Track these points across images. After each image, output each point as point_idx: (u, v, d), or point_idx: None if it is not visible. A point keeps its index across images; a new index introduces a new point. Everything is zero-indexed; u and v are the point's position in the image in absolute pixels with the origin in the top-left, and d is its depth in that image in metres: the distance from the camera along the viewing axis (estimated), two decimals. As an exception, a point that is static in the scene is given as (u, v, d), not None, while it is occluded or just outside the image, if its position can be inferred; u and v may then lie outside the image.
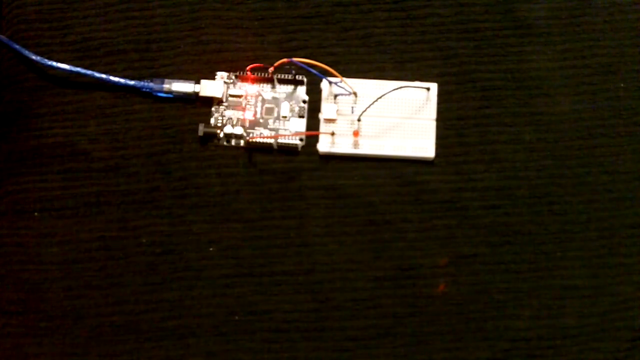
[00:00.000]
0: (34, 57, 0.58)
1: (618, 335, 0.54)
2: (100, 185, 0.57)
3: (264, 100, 0.59)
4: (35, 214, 0.57)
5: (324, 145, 0.57)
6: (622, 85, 0.58)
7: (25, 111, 0.59)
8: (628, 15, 0.59)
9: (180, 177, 0.57)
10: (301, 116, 0.58)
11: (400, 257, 0.56)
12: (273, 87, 0.59)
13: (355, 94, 0.57)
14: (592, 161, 0.57)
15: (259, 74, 0.58)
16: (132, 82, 0.58)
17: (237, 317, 0.55)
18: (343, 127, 0.57)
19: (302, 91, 0.59)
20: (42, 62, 0.58)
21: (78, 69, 0.58)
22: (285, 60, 0.56)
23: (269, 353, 0.55)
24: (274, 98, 0.59)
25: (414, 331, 0.55)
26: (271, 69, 0.57)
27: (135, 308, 0.56)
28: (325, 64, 0.56)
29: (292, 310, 0.55)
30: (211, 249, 0.56)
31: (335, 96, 0.58)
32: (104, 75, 0.58)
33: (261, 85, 0.59)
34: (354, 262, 0.56)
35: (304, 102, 0.58)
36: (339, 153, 0.57)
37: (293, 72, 0.58)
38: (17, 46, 0.59)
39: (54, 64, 0.58)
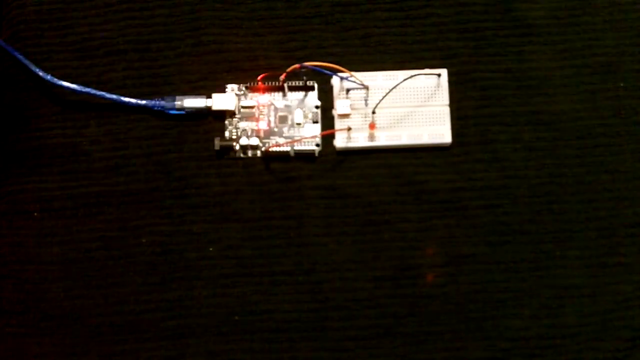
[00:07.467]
0: (41, 74, 0.58)
1: (618, 335, 0.54)
2: (100, 185, 0.58)
3: (276, 109, 0.59)
4: (35, 214, 0.57)
5: (341, 141, 0.57)
6: (622, 85, 0.58)
7: (25, 111, 0.59)
8: (628, 15, 0.59)
9: (180, 177, 0.57)
10: (315, 121, 0.58)
11: (400, 257, 0.56)
12: (284, 95, 0.59)
13: (366, 87, 0.57)
14: (592, 161, 0.57)
15: (269, 83, 0.58)
16: (143, 102, 0.58)
17: (237, 317, 0.55)
18: (357, 121, 0.57)
19: (313, 97, 0.58)
20: (52, 81, 0.58)
21: (88, 89, 0.57)
22: (296, 66, 0.56)
23: (269, 353, 0.55)
24: (286, 106, 0.59)
25: (414, 331, 0.55)
26: (282, 77, 0.57)
27: (135, 308, 0.56)
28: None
29: (292, 310, 0.55)
30: (211, 249, 0.56)
31: (348, 91, 0.58)
32: (114, 96, 0.58)
33: (272, 94, 0.59)
34: (353, 262, 0.56)
35: (317, 107, 0.58)
36: (356, 147, 0.57)
37: (304, 78, 0.58)
38: (26, 61, 0.58)
39: (64, 83, 0.58)
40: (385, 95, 0.57)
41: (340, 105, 0.58)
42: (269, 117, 0.58)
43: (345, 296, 0.55)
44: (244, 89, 0.59)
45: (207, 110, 0.58)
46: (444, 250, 0.56)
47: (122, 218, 0.57)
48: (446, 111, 0.57)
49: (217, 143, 0.57)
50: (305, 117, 0.58)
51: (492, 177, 0.57)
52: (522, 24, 0.59)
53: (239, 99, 0.58)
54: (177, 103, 0.58)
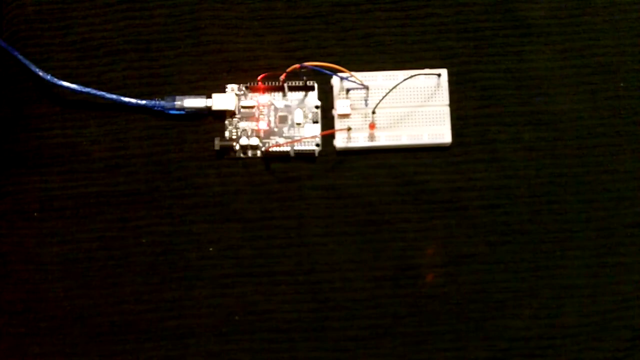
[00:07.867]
0: (41, 74, 0.58)
1: (618, 335, 0.55)
2: (100, 185, 0.58)
3: (276, 109, 0.59)
4: (35, 214, 0.57)
5: (341, 141, 0.57)
6: (622, 85, 0.58)
7: (25, 111, 0.59)
8: (628, 15, 0.59)
9: (180, 177, 0.57)
10: (315, 122, 0.58)
11: (400, 257, 0.56)
12: (284, 95, 0.59)
13: (366, 87, 0.58)
14: (592, 161, 0.57)
15: (269, 83, 0.58)
16: (143, 102, 0.58)
17: (237, 317, 0.55)
18: (357, 121, 0.57)
19: (313, 97, 0.58)
20: (52, 81, 0.58)
21: (88, 89, 0.57)
22: (296, 66, 0.56)
23: (269, 353, 0.55)
24: (286, 106, 0.59)
25: (414, 331, 0.55)
26: (282, 77, 0.57)
27: (135, 308, 0.56)
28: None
29: (292, 310, 0.55)
30: (211, 249, 0.56)
31: (348, 91, 0.58)
32: (114, 96, 0.58)
33: (272, 94, 0.59)
34: (353, 262, 0.56)
35: (317, 107, 0.58)
36: (356, 147, 0.57)
37: (304, 78, 0.58)
38: (26, 61, 0.58)
39: (64, 83, 0.57)
40: (385, 95, 0.57)
41: (340, 105, 0.58)
42: (269, 117, 0.58)
43: (345, 296, 0.56)
44: (244, 89, 0.59)
45: (207, 110, 0.58)
46: (444, 250, 0.56)
47: (122, 218, 0.57)
48: (446, 111, 0.57)
49: (217, 143, 0.57)
50: (305, 117, 0.58)
51: (492, 177, 0.57)
52: (522, 24, 0.59)
53: (239, 99, 0.58)
54: (177, 103, 0.58)
